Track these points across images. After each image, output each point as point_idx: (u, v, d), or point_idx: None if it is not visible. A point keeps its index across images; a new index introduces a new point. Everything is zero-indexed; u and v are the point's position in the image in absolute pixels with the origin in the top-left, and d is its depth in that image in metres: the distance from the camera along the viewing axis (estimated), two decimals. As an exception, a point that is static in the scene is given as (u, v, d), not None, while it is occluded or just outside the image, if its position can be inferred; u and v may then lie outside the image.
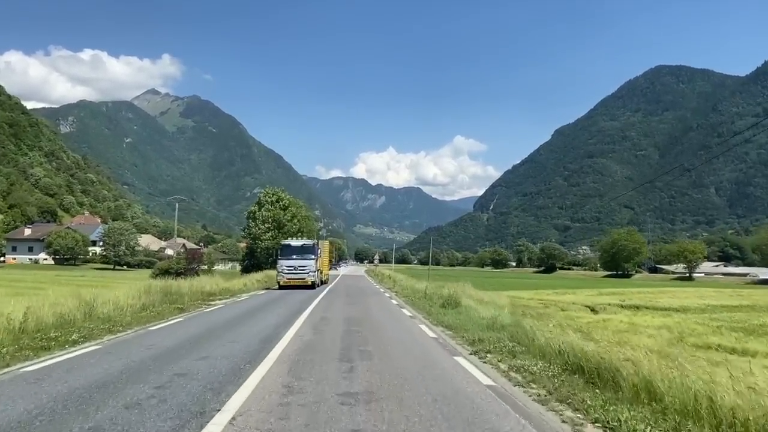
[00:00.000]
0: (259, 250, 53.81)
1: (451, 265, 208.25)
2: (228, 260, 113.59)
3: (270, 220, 54.32)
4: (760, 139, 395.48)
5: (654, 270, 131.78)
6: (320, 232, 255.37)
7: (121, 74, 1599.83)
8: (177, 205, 49.52)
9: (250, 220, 54.34)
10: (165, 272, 44.33)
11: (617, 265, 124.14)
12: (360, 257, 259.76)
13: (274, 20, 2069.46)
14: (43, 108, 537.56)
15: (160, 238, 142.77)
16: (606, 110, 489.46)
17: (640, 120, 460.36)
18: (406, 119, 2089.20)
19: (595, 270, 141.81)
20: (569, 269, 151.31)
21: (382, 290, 35.61)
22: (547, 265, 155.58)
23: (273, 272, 39.37)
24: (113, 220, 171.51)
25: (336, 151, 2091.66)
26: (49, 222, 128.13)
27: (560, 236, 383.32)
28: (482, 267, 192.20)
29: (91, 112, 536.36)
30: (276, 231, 54.29)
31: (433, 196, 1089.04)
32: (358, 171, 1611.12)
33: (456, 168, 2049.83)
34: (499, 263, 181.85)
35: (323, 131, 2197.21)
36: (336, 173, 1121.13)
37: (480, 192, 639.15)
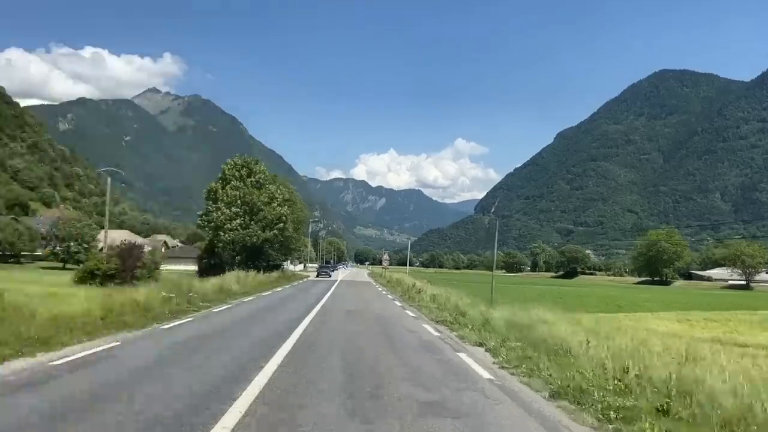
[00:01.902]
0: (221, 244, 36.34)
1: (456, 268, 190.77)
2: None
3: (238, 201, 36.87)
4: (767, 144, 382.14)
5: (688, 276, 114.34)
6: (320, 233, 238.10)
7: (122, 72, 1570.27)
8: (109, 179, 31.82)
9: (210, 202, 36.90)
10: (91, 275, 28.26)
11: (654, 270, 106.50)
12: (360, 258, 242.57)
13: (277, 21, 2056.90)
14: (42, 105, 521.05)
15: (139, 234, 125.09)
16: (609, 114, 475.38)
17: (643, 124, 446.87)
18: (407, 121, 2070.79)
19: (622, 275, 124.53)
20: (592, 274, 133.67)
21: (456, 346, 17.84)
22: (567, 269, 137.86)
23: (242, 274, 29.61)
24: (99, 216, 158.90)
25: (336, 152, 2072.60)
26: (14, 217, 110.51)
27: (563, 240, 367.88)
28: (490, 270, 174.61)
29: (90, 110, 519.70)
30: (247, 218, 36.79)
31: (434, 198, 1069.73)
32: (359, 172, 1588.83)
33: (457, 171, 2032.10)
34: (513, 267, 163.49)
35: (324, 132, 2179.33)
36: (336, 174, 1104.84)
37: (481, 195, 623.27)
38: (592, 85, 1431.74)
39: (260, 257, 38.18)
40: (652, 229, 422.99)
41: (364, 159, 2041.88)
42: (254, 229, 36.63)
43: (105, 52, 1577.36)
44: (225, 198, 36.68)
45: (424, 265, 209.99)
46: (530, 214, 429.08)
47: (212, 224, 36.59)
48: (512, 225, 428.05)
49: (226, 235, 35.48)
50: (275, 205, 38.09)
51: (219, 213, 36.46)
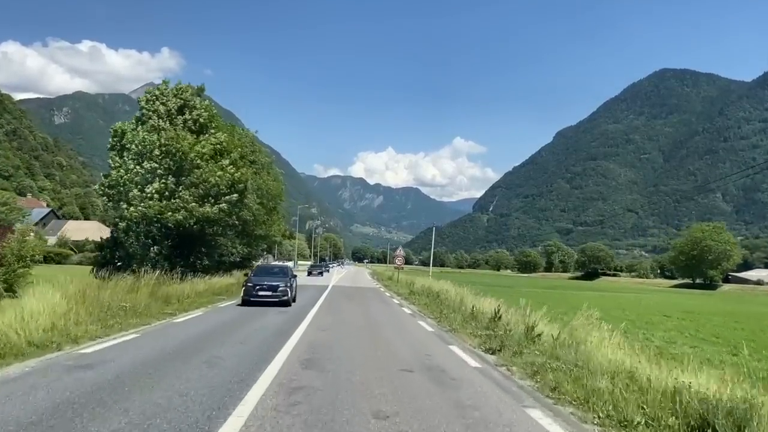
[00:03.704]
0: (123, 225, 20.22)
1: (459, 267, 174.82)
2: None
3: (158, 156, 20.76)
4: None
5: (726, 279, 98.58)
6: (317, 230, 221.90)
7: (120, 67, 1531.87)
8: None
9: (115, 157, 20.72)
10: None
11: (698, 271, 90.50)
12: (358, 256, 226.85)
13: (276, 17, 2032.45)
14: (38, 98, 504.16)
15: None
16: (609, 113, 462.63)
17: (644, 123, 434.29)
18: (405, 119, 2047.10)
19: (648, 277, 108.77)
20: (615, 275, 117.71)
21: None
22: (588, 269, 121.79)
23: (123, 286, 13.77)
24: (80, 209, 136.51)
25: (335, 149, 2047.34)
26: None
27: (562, 239, 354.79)
28: (497, 270, 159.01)
29: (86, 104, 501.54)
30: (172, 181, 20.77)
31: (432, 197, 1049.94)
32: (357, 170, 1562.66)
33: (455, 169, 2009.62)
34: (527, 267, 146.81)
35: (322, 129, 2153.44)
36: (334, 172, 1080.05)
37: (479, 194, 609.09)
38: (592, 84, 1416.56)
39: (200, 249, 22.20)
40: (651, 228, 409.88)
41: (362, 157, 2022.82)
42: (185, 198, 20.40)
43: (103, 46, 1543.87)
44: (135, 146, 20.59)
45: (424, 263, 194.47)
46: (529, 213, 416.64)
47: (114, 195, 20.53)
48: (511, 224, 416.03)
49: (132, 210, 19.40)
50: (227, 163, 22.01)
51: (122, 171, 20.31)
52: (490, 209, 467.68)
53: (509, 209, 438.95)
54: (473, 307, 14.16)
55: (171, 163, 21.18)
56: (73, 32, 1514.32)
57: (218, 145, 22.60)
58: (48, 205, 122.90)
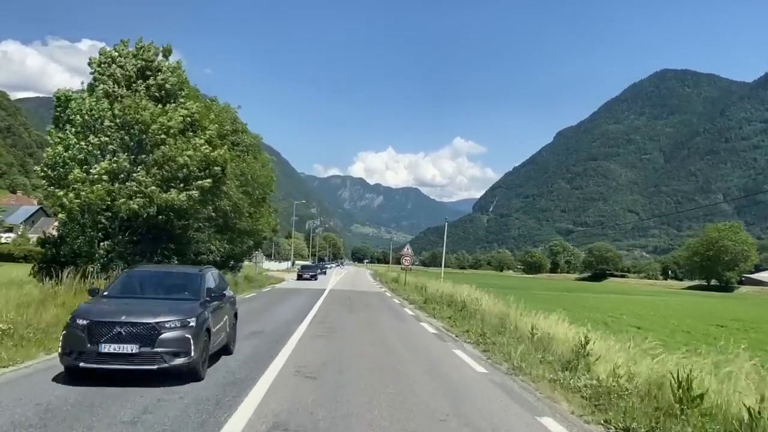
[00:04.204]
0: (62, 214, 15.67)
1: (461, 268, 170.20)
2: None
3: (110, 128, 16.20)
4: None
5: (739, 281, 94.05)
6: (316, 229, 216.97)
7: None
8: None
9: (54, 131, 16.27)
10: None
11: (714, 272, 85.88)
12: (358, 256, 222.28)
13: (276, 16, 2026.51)
14: (38, 98, 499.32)
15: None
16: (610, 113, 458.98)
17: (645, 123, 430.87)
18: (405, 119, 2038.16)
19: (656, 279, 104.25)
20: (623, 276, 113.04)
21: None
22: (595, 270, 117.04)
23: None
24: None
25: (334, 149, 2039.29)
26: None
27: (562, 240, 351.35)
28: (500, 270, 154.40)
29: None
30: (128, 159, 16.13)
31: (432, 197, 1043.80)
32: (357, 170, 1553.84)
33: (455, 169, 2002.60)
34: (533, 267, 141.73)
35: (322, 129, 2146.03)
36: (334, 172, 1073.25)
37: (479, 194, 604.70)
38: (592, 84, 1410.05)
39: (167, 245, 17.66)
40: (652, 228, 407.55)
41: (362, 157, 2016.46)
42: (142, 181, 15.86)
43: (103, 45, 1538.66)
44: (80, 117, 16.05)
45: (424, 264, 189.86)
46: (530, 213, 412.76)
47: (55, 173, 15.99)
48: (511, 224, 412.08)
49: (71, 195, 14.84)
50: (200, 142, 17.49)
51: (60, 149, 15.77)
52: (490, 209, 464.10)
53: (509, 209, 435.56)
54: (533, 330, 9.61)
55: (128, 137, 16.64)
56: (73, 31, 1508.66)
57: (189, 117, 18.06)
58: (39, 203, 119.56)
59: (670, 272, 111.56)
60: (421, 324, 14.39)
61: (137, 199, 15.74)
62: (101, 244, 16.01)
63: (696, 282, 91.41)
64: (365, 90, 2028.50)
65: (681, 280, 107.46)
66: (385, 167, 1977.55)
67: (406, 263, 31.64)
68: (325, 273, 61.16)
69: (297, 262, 76.60)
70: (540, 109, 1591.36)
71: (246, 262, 34.92)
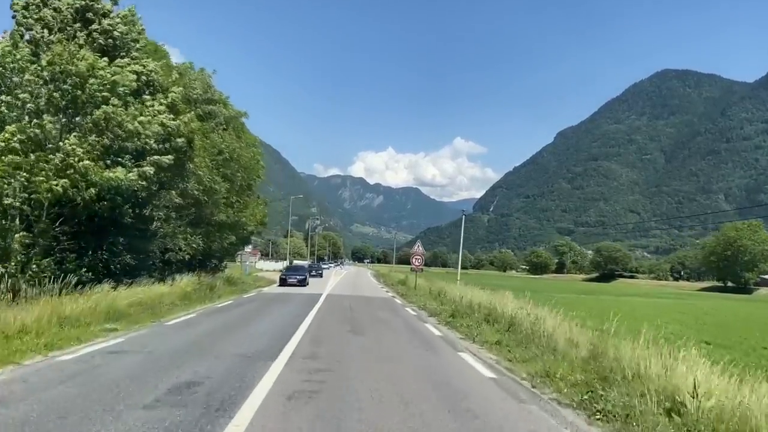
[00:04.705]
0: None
1: (463, 268, 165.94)
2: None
3: (32, 81, 11.89)
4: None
5: (757, 282, 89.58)
6: (315, 228, 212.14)
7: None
8: None
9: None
10: None
11: (731, 273, 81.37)
12: (358, 256, 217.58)
13: (277, 15, 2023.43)
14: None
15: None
16: (611, 113, 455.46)
17: (645, 124, 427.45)
18: (406, 119, 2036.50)
19: (666, 279, 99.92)
20: (632, 277, 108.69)
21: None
22: (604, 271, 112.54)
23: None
24: None
25: (335, 149, 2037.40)
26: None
27: (568, 239, 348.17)
28: (503, 271, 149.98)
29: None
30: (50, 120, 11.74)
31: (432, 197, 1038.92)
32: (357, 170, 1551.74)
33: (455, 169, 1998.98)
34: (538, 268, 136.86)
35: (322, 129, 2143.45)
36: (334, 171, 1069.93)
37: (479, 194, 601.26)
38: (593, 84, 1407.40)
39: (115, 239, 13.36)
40: (653, 228, 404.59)
41: (362, 156, 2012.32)
42: (75, 150, 11.55)
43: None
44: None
45: (425, 264, 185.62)
46: (530, 213, 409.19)
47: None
48: (512, 224, 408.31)
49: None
50: (160, 108, 13.21)
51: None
52: (491, 209, 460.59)
53: (510, 209, 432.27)
54: (662, 383, 5.24)
55: (57, 94, 12.36)
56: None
57: (145, 76, 13.75)
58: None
59: (681, 273, 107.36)
60: (461, 356, 9.45)
61: (63, 179, 11.41)
62: (15, 236, 11.70)
63: (708, 283, 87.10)
64: (365, 90, 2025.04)
65: (689, 280, 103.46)
66: (385, 167, 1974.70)
67: (417, 263, 26.66)
68: (321, 275, 51.17)
69: (295, 261, 72.21)
70: (540, 109, 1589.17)
71: (237, 262, 30.68)
